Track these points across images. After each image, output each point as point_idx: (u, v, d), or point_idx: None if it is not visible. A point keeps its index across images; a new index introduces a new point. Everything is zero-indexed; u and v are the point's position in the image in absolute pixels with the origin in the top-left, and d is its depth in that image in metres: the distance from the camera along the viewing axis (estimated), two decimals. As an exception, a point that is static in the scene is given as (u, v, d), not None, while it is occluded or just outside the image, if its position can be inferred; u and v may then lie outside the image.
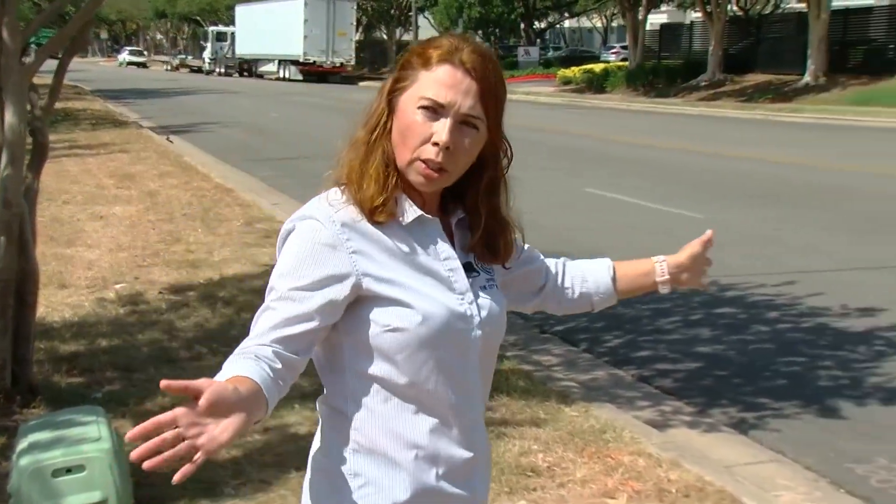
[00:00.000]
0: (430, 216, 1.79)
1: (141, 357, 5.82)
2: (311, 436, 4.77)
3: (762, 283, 7.95)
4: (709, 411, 5.42)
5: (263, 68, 61.67)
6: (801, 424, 5.23)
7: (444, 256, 1.79)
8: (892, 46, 31.92)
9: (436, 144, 1.68)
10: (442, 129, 1.68)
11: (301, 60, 55.48)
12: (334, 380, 1.80)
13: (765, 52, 36.63)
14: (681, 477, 4.25)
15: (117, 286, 7.54)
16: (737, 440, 4.97)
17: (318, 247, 1.69)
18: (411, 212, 1.76)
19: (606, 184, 13.92)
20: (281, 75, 57.97)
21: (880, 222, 10.73)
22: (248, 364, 1.58)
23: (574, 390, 5.46)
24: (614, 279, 2.09)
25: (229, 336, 6.22)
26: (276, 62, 59.09)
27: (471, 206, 1.82)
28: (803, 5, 34.22)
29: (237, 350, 1.64)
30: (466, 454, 1.81)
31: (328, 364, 1.80)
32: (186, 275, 8.01)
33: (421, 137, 1.69)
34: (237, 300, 7.05)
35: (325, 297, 1.67)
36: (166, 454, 1.39)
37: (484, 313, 1.80)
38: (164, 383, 1.42)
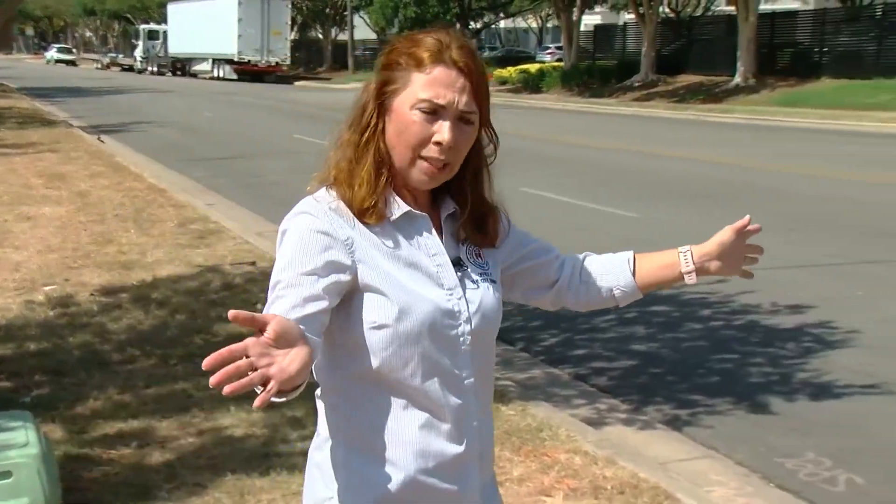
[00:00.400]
0: (419, 212, 1.82)
1: (71, 360, 5.71)
2: (245, 438, 4.76)
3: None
4: (644, 409, 5.47)
5: (197, 67, 60.97)
6: (734, 420, 5.32)
7: (433, 252, 1.82)
8: (816, 50, 32.60)
9: (438, 144, 1.73)
10: (443, 129, 1.73)
11: (235, 60, 54.97)
12: (326, 375, 1.84)
13: (696, 54, 37.20)
14: (616, 474, 4.29)
15: (47, 288, 7.40)
16: (671, 437, 5.03)
17: (317, 235, 1.73)
18: (399, 208, 1.79)
19: (542, 183, 14.00)
20: (215, 74, 57.39)
21: (807, 222, 10.95)
22: None
23: (511, 389, 5.48)
24: (634, 272, 2.03)
25: (163, 338, 6.14)
26: (210, 61, 58.47)
27: (458, 193, 1.86)
28: (732, 8, 34.77)
29: None
30: (457, 449, 1.82)
31: (322, 358, 1.81)
32: (119, 276, 7.88)
33: (421, 138, 1.74)
34: (171, 301, 6.95)
35: (331, 280, 1.70)
36: (243, 381, 1.44)
37: (472, 308, 1.82)
38: (231, 313, 1.46)
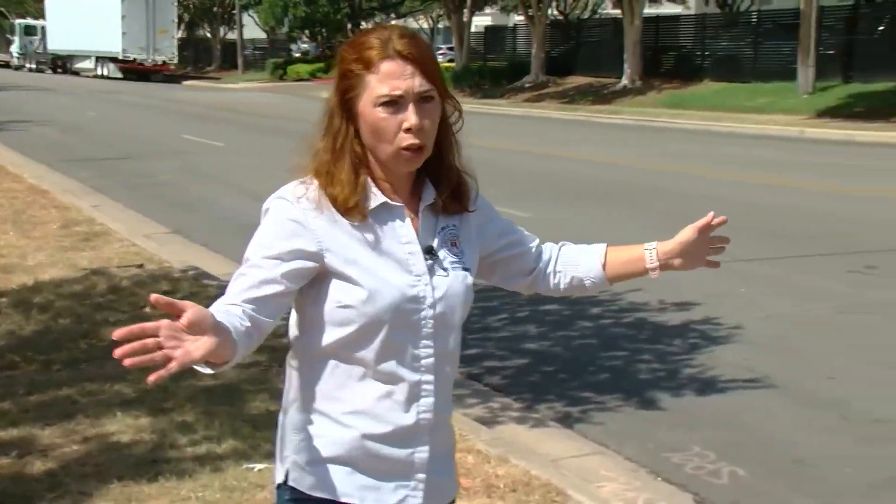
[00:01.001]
0: (395, 203, 1.95)
1: (-52, 369, 5.51)
2: (133, 444, 4.66)
3: (584, 280, 8.19)
4: (536, 407, 5.55)
5: (79, 65, 59.24)
6: (623, 417, 5.43)
7: (405, 241, 1.95)
8: (698, 54, 33.47)
9: (409, 130, 1.87)
10: (409, 114, 1.86)
11: (120, 58, 53.63)
12: (297, 342, 2.00)
13: (585, 56, 37.81)
14: (508, 472, 4.34)
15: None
16: (562, 434, 5.11)
17: (288, 222, 1.88)
18: (376, 198, 1.93)
19: (434, 184, 14.06)
20: (99, 73, 55.86)
21: (689, 220, 11.14)
22: (221, 311, 1.77)
23: (404, 390, 5.48)
24: (604, 265, 2.21)
25: (45, 343, 5.97)
26: (94, 59, 56.91)
27: (434, 165, 1.99)
28: (618, 11, 35.46)
29: (211, 308, 1.78)
30: (408, 420, 1.96)
31: (295, 327, 1.99)
32: (-2, 281, 7.63)
33: (392, 130, 1.87)
34: (54, 305, 6.75)
35: (292, 266, 1.86)
36: (145, 357, 1.58)
37: (438, 293, 1.95)
38: (153, 297, 1.59)
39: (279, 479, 2.03)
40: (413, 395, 1.96)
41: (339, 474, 1.97)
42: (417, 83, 1.87)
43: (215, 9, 65.70)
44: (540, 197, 12.97)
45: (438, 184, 2.01)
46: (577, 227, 10.67)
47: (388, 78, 1.86)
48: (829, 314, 7.36)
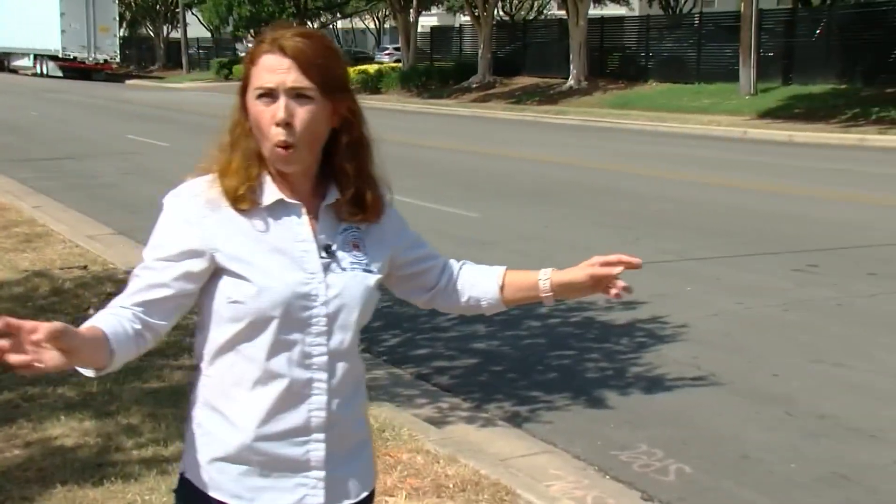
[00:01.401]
0: (292, 200, 1.96)
1: None
2: (77, 448, 4.59)
3: (533, 279, 8.22)
4: (485, 406, 5.55)
5: (17, 63, 58.14)
6: (571, 415, 5.45)
7: (300, 238, 1.96)
8: (643, 55, 33.80)
9: (278, 125, 1.87)
10: (279, 108, 1.87)
11: (60, 56, 52.77)
12: (198, 339, 2.00)
13: (531, 56, 37.99)
14: (458, 472, 4.34)
15: None
16: (511, 433, 5.12)
17: (178, 222, 1.91)
18: (272, 195, 1.94)
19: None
20: (38, 71, 54.92)
21: (639, 220, 11.33)
22: (105, 317, 1.83)
23: (353, 391, 5.46)
24: (502, 288, 2.20)
25: (-14, 348, 5.84)
26: (32, 57, 55.91)
27: (338, 170, 1.99)
28: (563, 12, 35.66)
29: (105, 309, 1.86)
30: (301, 420, 1.96)
31: (197, 324, 2.01)
32: (-64, 283, 7.46)
33: (267, 123, 1.88)
34: (-6, 309, 6.63)
35: (183, 268, 1.89)
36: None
37: (333, 292, 1.96)
38: (2, 322, 1.57)
39: (180, 470, 2.07)
40: (305, 394, 1.96)
41: (231, 474, 1.97)
42: (291, 78, 1.87)
43: (158, 7, 64.96)
44: (488, 197, 13.00)
45: (338, 186, 2.00)
46: (525, 226, 10.70)
47: (264, 71, 1.88)
48: (775, 312, 7.46)
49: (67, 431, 4.59)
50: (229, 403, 1.96)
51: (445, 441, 4.77)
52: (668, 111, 26.82)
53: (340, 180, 2.00)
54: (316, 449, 1.99)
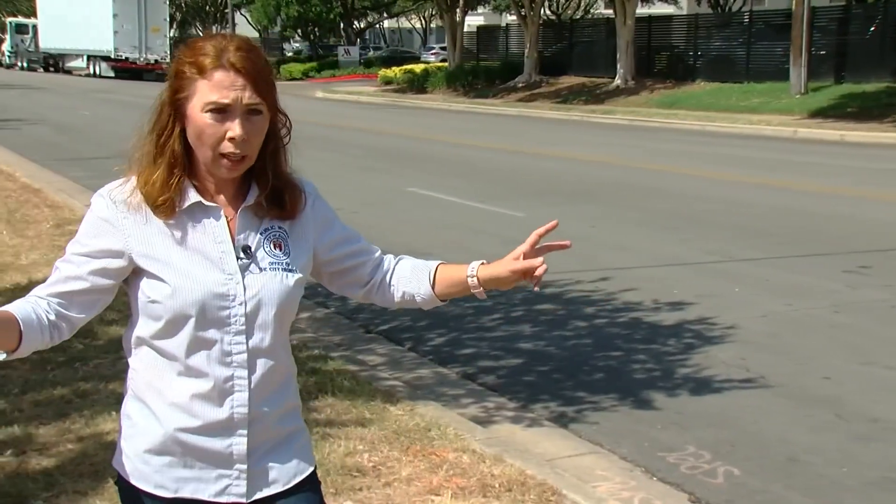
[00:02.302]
0: (210, 203, 2.02)
1: (-58, 368, 5.49)
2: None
3: (579, 279, 8.21)
4: (531, 406, 5.55)
5: (71, 64, 59.06)
6: (618, 416, 5.43)
7: (219, 240, 2.01)
8: (691, 54, 33.49)
9: (232, 140, 1.93)
10: (234, 125, 1.93)
11: (112, 57, 53.51)
12: (126, 334, 2.09)
13: (578, 56, 37.79)
14: (504, 472, 4.34)
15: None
16: (557, 434, 5.11)
17: (100, 221, 1.99)
18: (190, 198, 1.99)
19: (429, 183, 14.06)
20: (91, 71, 55.72)
21: (686, 220, 11.26)
22: (19, 304, 1.95)
23: (399, 389, 5.49)
24: (434, 284, 2.21)
25: (39, 344, 5.95)
26: (85, 58, 56.77)
27: (259, 171, 2.04)
28: (611, 12, 35.46)
29: (24, 297, 1.98)
30: (221, 414, 2.02)
31: (129, 320, 2.08)
32: (-9, 280, 7.61)
33: (216, 137, 1.93)
34: (47, 306, 6.72)
35: (100, 264, 1.98)
36: None
37: (251, 292, 2.01)
38: None
39: (112, 461, 2.17)
40: (226, 390, 2.02)
41: (155, 465, 2.04)
42: (246, 95, 1.93)
43: (208, 7, 65.60)
44: (534, 197, 12.97)
45: (260, 186, 2.05)
46: (570, 226, 10.67)
47: (219, 87, 1.92)
48: (824, 313, 7.37)
49: (118, 427, 4.65)
50: (153, 396, 2.03)
51: (491, 441, 4.77)
52: (716, 111, 26.56)
53: (260, 180, 2.05)
54: (238, 444, 2.05)
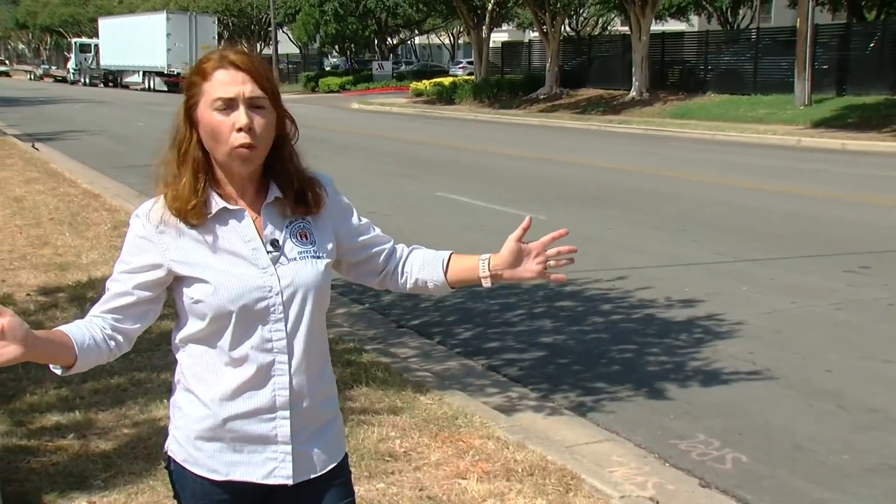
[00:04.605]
0: (234, 206, 2.03)
1: (9, 358, 5.53)
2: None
3: (597, 278, 8.17)
4: (551, 396, 5.53)
5: (128, 79, 59.68)
6: (633, 406, 5.40)
7: (247, 238, 2.03)
8: (702, 67, 33.25)
9: (240, 130, 1.94)
10: (240, 115, 1.94)
11: (165, 72, 53.94)
12: (174, 334, 2.10)
13: (596, 70, 37.64)
14: (526, 457, 4.33)
15: (-16, 289, 7.17)
16: (576, 422, 5.09)
17: (139, 240, 2.02)
18: (216, 205, 2.01)
19: (456, 188, 14.05)
20: (146, 86, 56.25)
21: (697, 224, 11.18)
22: (76, 324, 1.98)
23: (429, 380, 5.49)
24: (446, 271, 2.22)
25: (98, 336, 5.99)
26: (141, 73, 57.27)
27: (279, 173, 2.06)
28: (627, 28, 35.29)
29: (83, 318, 2.02)
30: (264, 400, 2.03)
31: (176, 322, 2.10)
32: (55, 277, 7.68)
33: (227, 130, 1.95)
34: (105, 301, 6.77)
35: (143, 278, 2.01)
36: None
37: (284, 282, 2.02)
38: None
39: (164, 448, 2.16)
40: (267, 376, 2.03)
41: (207, 451, 2.06)
42: (248, 89, 1.95)
43: (252, 26, 65.93)
44: (554, 201, 12.93)
45: (281, 186, 2.06)
46: (588, 229, 10.63)
47: (221, 84, 1.95)
48: (827, 311, 7.30)
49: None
50: (202, 387, 2.04)
51: (514, 428, 4.76)
52: (725, 121, 26.37)
53: (283, 181, 2.06)
54: (282, 426, 2.05)
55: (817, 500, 4.28)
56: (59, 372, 1.93)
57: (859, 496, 4.31)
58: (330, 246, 2.12)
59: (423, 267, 2.24)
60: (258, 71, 1.97)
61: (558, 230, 2.17)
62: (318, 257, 2.08)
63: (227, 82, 1.94)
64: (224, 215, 2.02)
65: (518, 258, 2.16)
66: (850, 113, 24.56)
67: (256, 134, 1.95)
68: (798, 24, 26.77)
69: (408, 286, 2.26)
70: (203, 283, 1.98)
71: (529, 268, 2.17)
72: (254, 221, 2.04)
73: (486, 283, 2.20)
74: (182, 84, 2.05)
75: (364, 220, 2.24)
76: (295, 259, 2.05)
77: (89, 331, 1.97)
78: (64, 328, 1.94)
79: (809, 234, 10.33)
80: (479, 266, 2.18)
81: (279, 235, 2.05)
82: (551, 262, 2.17)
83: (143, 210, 2.05)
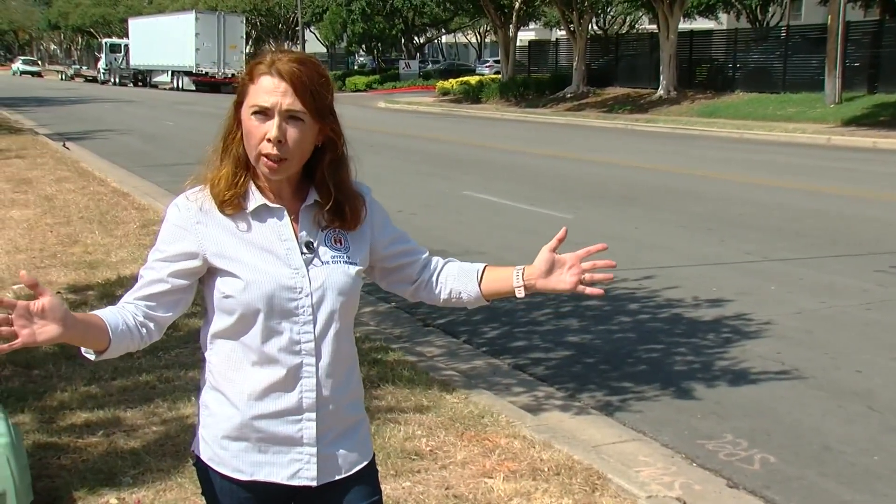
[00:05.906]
0: (274, 204, 2.03)
1: (40, 354, 5.60)
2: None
3: (624, 277, 8.14)
4: (578, 396, 5.51)
5: (157, 79, 60.09)
6: (660, 406, 5.37)
7: (284, 238, 2.03)
8: (730, 66, 33.04)
9: (269, 140, 1.93)
10: (271, 127, 1.93)
11: (194, 72, 54.28)
12: (203, 331, 2.11)
13: (623, 68, 37.49)
14: (552, 457, 4.32)
15: (15, 287, 7.25)
16: (603, 421, 5.07)
17: (175, 228, 2.02)
18: (256, 200, 2.02)
19: (483, 187, 14.04)
20: (174, 85, 56.59)
21: (725, 222, 11.10)
22: (109, 309, 1.99)
23: (455, 379, 5.49)
24: (480, 282, 2.21)
25: (127, 334, 6.04)
26: (170, 73, 57.65)
27: (319, 182, 2.05)
28: (654, 27, 35.12)
29: (116, 304, 2.03)
30: (291, 401, 2.03)
31: (204, 318, 2.10)
32: (85, 275, 7.75)
33: (258, 137, 1.94)
34: (134, 299, 6.82)
35: (178, 266, 2.01)
36: None
37: (315, 284, 2.02)
38: (22, 274, 1.78)
39: (192, 447, 2.18)
40: (295, 377, 2.03)
41: (233, 450, 2.06)
42: (287, 101, 1.92)
43: (280, 26, 66.22)
44: (581, 200, 12.89)
45: (320, 193, 2.06)
46: (615, 227, 10.59)
47: (262, 91, 1.94)
48: (856, 311, 7.23)
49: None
50: (230, 386, 2.04)
51: (541, 427, 4.75)
52: (753, 119, 26.20)
53: (321, 190, 2.05)
54: (308, 427, 2.05)
55: (847, 501, 4.24)
56: (91, 357, 1.94)
57: (891, 498, 4.26)
58: (364, 253, 2.12)
59: (457, 278, 2.23)
60: (302, 83, 1.93)
61: (596, 245, 2.14)
62: (351, 263, 2.08)
63: (268, 90, 1.93)
64: (263, 212, 2.02)
65: (552, 269, 2.14)
66: (881, 111, 24.30)
67: (287, 147, 1.94)
68: (829, 22, 26.51)
69: (441, 297, 2.24)
70: (234, 278, 1.98)
71: (563, 279, 2.13)
72: (291, 221, 2.04)
73: (520, 294, 2.17)
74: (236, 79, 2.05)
75: (399, 230, 2.24)
76: (328, 263, 2.04)
77: (122, 316, 1.97)
78: (98, 312, 1.95)
79: (839, 234, 10.23)
80: (514, 276, 2.16)
81: (314, 238, 2.05)
82: (586, 276, 2.14)
83: (181, 199, 2.05)
